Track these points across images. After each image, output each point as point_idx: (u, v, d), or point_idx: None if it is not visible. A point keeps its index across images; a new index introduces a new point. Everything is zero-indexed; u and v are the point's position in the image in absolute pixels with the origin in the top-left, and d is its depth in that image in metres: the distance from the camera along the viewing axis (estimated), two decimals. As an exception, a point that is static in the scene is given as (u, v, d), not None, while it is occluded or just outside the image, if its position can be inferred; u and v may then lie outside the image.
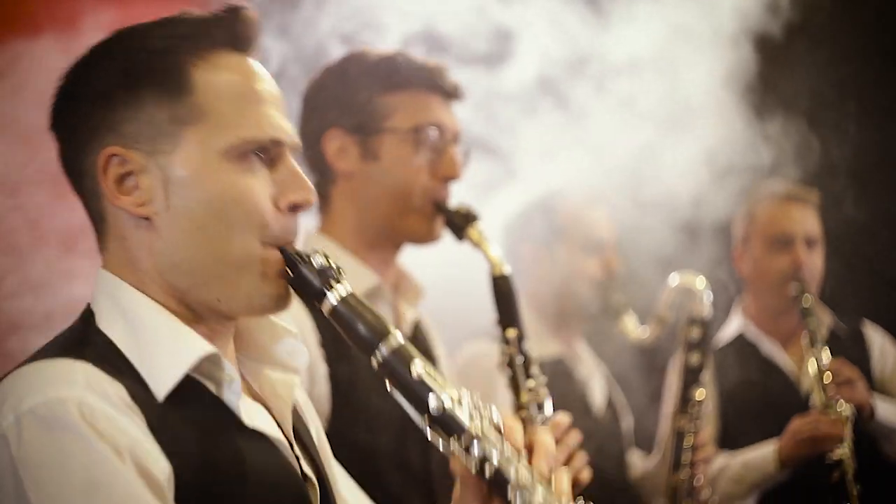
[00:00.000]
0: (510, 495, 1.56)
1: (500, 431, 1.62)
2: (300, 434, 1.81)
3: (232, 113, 1.65)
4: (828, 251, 3.92)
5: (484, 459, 1.57)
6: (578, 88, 3.78)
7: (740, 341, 3.96)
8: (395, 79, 2.72)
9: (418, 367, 1.60)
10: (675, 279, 3.53)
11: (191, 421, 1.59)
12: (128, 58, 1.67)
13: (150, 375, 1.60)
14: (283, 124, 1.70)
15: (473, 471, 1.57)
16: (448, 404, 1.58)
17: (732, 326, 4.03)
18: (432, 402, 1.58)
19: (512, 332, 2.70)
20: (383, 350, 1.60)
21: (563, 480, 1.60)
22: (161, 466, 1.52)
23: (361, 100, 2.72)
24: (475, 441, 1.57)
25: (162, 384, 1.59)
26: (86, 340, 1.62)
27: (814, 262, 3.86)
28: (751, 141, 3.97)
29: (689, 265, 3.69)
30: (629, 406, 3.99)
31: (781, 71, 4.16)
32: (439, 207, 2.75)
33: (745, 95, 3.96)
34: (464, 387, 2.99)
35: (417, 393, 1.59)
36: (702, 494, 3.37)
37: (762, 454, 3.62)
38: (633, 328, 3.66)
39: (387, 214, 2.74)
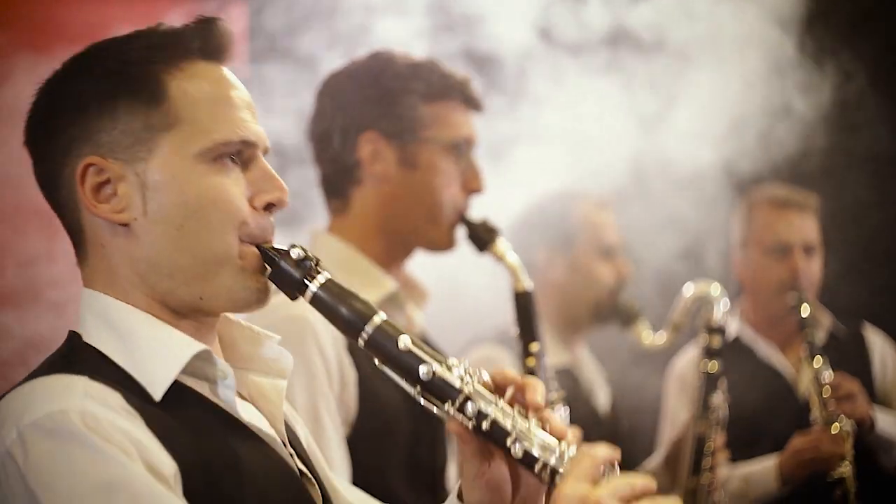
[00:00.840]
0: (510, 445, 1.59)
1: (491, 389, 1.65)
2: (290, 435, 1.84)
3: (205, 118, 1.69)
4: (827, 252, 3.91)
5: (479, 416, 1.60)
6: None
7: (737, 344, 3.92)
8: (433, 89, 2.75)
9: (405, 340, 1.63)
10: (689, 289, 3.50)
11: (188, 422, 1.63)
12: (103, 69, 1.70)
13: (144, 379, 1.63)
14: (255, 127, 1.74)
15: (471, 428, 1.61)
16: (438, 369, 1.62)
17: (729, 329, 4.00)
18: (422, 370, 1.62)
19: (535, 347, 2.76)
20: (368, 329, 1.64)
21: (558, 421, 1.64)
22: (167, 465, 1.55)
23: (403, 107, 2.73)
24: (469, 401, 1.61)
25: (158, 385, 1.63)
26: (76, 358, 1.65)
27: (812, 270, 3.85)
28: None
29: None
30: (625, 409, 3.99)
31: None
32: (464, 220, 2.79)
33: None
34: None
35: (406, 364, 1.63)
36: (715, 496, 3.39)
37: (763, 469, 3.62)
38: (648, 335, 3.65)
39: (415, 222, 2.76)
